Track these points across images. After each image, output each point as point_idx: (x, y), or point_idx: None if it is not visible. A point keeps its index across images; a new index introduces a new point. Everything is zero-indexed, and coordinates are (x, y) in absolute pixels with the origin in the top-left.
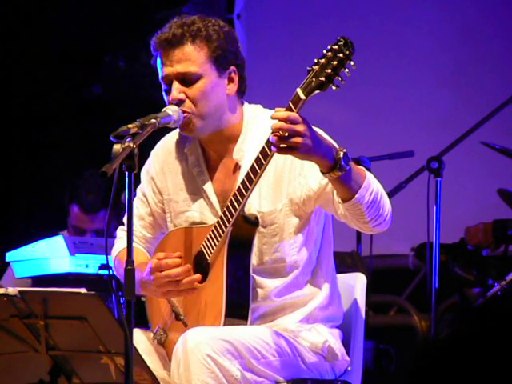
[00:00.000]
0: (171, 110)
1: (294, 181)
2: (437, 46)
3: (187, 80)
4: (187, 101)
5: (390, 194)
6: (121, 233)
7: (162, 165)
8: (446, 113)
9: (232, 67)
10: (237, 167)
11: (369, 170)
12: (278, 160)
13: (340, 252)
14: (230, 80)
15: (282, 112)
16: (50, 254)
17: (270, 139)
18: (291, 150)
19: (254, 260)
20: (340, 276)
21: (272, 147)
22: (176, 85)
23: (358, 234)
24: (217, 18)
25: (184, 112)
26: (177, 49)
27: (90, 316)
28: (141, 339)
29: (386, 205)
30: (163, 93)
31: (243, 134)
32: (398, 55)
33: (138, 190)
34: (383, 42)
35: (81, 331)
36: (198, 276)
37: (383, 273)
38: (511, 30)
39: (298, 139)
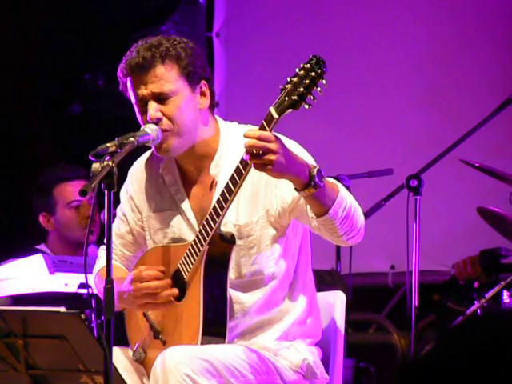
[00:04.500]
0: (149, 129)
1: (271, 193)
2: (416, 63)
3: (162, 98)
4: (164, 119)
5: (369, 212)
6: (102, 252)
7: (140, 183)
8: (425, 130)
9: (202, 81)
10: (214, 183)
11: (348, 188)
12: (255, 173)
13: (319, 270)
14: (202, 94)
15: (254, 131)
16: (29, 273)
17: (244, 157)
18: (265, 167)
19: (232, 274)
20: (319, 294)
21: (247, 164)
22: (152, 104)
23: (338, 252)
24: (179, 36)
25: (163, 130)
26: (149, 71)
27: (70, 335)
28: (120, 357)
29: (360, 218)
30: (137, 114)
31: (220, 149)
32: (378, 73)
33: (118, 210)
34: (363, 59)
35: (60, 350)
36: (175, 290)
37: (363, 291)
38: (496, 44)
39: (272, 156)
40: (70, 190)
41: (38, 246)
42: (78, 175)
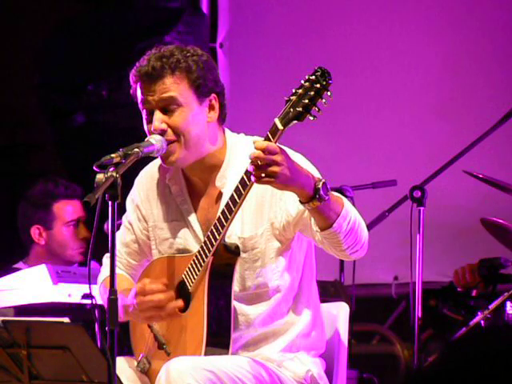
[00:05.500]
0: (154, 140)
1: (275, 205)
2: (421, 76)
3: (168, 109)
4: (169, 130)
5: (373, 223)
6: (106, 260)
7: (147, 192)
8: (429, 142)
9: (212, 95)
10: (220, 195)
11: (352, 199)
12: (261, 185)
13: (322, 281)
14: (211, 108)
15: (262, 142)
16: (33, 284)
17: (248, 168)
18: (269, 179)
19: (236, 286)
20: (323, 305)
21: (251, 177)
22: (158, 115)
23: (341, 263)
24: (195, 47)
25: (168, 141)
26: (157, 81)
27: (73, 345)
28: (124, 367)
29: (363, 232)
30: (144, 122)
31: (226, 161)
32: (382, 85)
33: (124, 218)
34: (367, 71)
35: (63, 361)
36: (180, 302)
37: (366, 302)
38: (499, 60)
39: (276, 168)
40: (71, 210)
41: (16, 265)
42: (78, 194)
